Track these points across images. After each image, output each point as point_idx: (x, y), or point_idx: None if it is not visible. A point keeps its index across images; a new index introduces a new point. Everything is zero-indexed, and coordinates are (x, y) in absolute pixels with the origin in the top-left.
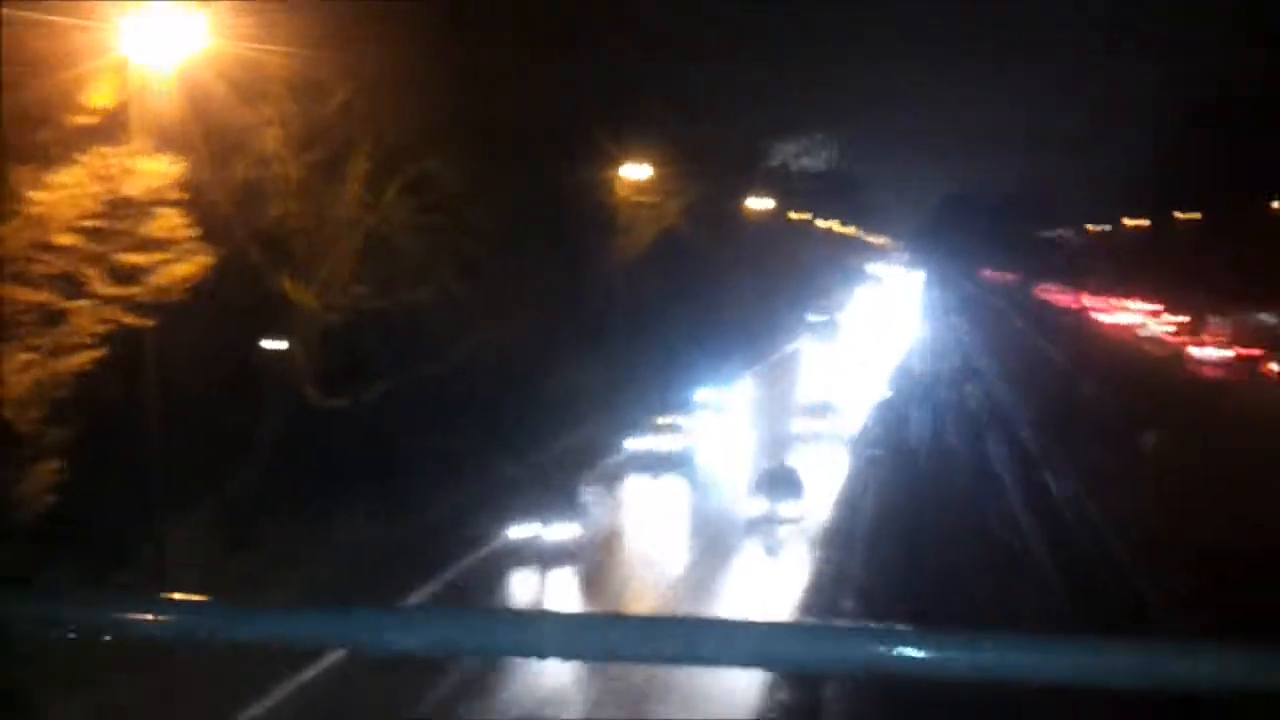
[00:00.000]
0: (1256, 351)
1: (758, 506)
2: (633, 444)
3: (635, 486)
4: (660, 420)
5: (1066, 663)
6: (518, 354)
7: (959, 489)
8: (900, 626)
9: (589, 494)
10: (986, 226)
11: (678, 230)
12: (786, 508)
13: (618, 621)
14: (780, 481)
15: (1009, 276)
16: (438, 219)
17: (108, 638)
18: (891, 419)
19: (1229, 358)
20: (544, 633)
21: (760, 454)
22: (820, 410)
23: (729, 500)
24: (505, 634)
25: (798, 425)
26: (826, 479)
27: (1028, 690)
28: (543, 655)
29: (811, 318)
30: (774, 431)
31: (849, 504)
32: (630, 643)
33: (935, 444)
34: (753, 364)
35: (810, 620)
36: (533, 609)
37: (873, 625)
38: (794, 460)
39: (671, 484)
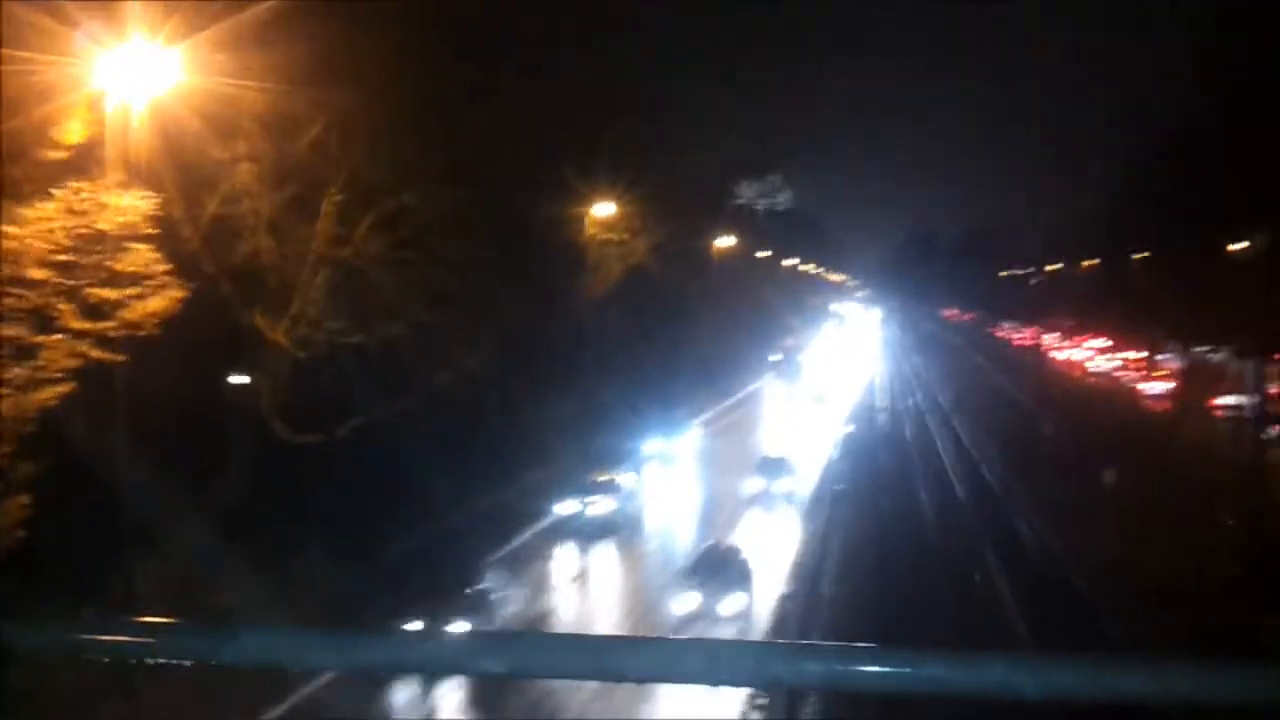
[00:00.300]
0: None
1: (690, 602)
2: (563, 507)
3: (552, 566)
4: (599, 476)
5: (1025, 680)
6: (483, 391)
7: (929, 554)
8: (860, 645)
9: (493, 579)
10: (946, 265)
11: (645, 267)
12: (726, 603)
13: (580, 641)
14: (720, 567)
15: (969, 315)
16: (410, 254)
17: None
18: (853, 472)
19: (1171, 391)
20: (519, 652)
21: (705, 520)
22: (776, 465)
23: (658, 589)
24: (484, 654)
25: (751, 482)
26: (777, 555)
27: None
28: (518, 675)
29: (773, 357)
30: (725, 489)
31: (803, 592)
32: (593, 662)
33: (899, 500)
34: (711, 405)
35: (771, 639)
36: (507, 630)
37: (831, 643)
38: (744, 527)
39: (595, 563)
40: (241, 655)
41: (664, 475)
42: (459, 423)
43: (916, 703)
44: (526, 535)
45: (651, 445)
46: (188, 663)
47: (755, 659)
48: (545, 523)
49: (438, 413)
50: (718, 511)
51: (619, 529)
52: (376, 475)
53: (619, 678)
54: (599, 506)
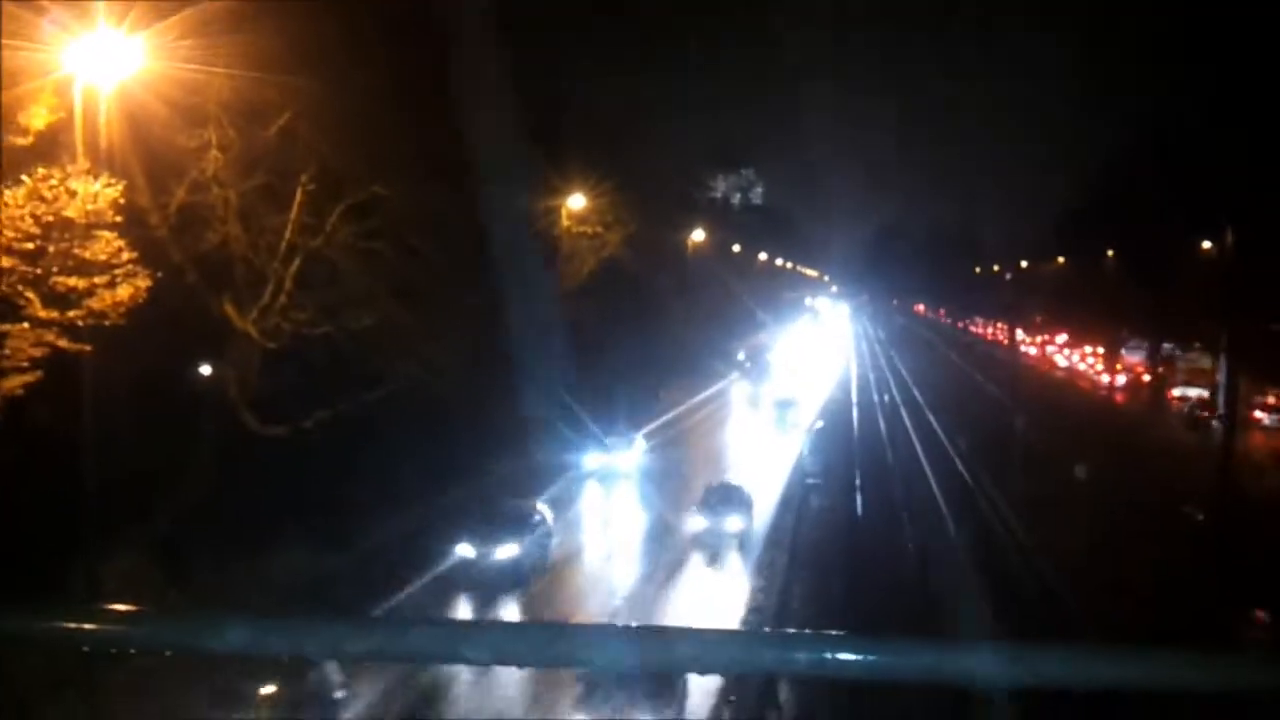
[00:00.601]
0: (1142, 375)
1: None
2: (464, 548)
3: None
4: (516, 504)
5: (1012, 668)
6: (446, 388)
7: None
8: (848, 633)
9: (321, 675)
10: (919, 262)
11: (618, 260)
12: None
13: (566, 630)
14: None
15: (941, 311)
16: (381, 245)
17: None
18: (819, 502)
19: (1129, 383)
20: (508, 641)
21: (632, 577)
22: (727, 496)
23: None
24: (472, 643)
25: (699, 519)
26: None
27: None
28: (506, 663)
29: (741, 355)
30: (665, 526)
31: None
32: (579, 650)
33: (871, 506)
34: (670, 409)
35: (751, 628)
36: (495, 620)
37: (821, 631)
38: (681, 591)
39: None
40: (224, 644)
41: (596, 502)
42: (413, 422)
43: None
44: (408, 590)
45: (593, 459)
46: (168, 652)
47: (744, 647)
48: (439, 569)
49: (396, 411)
50: (650, 564)
51: (521, 586)
52: (310, 481)
53: (609, 666)
54: (504, 549)
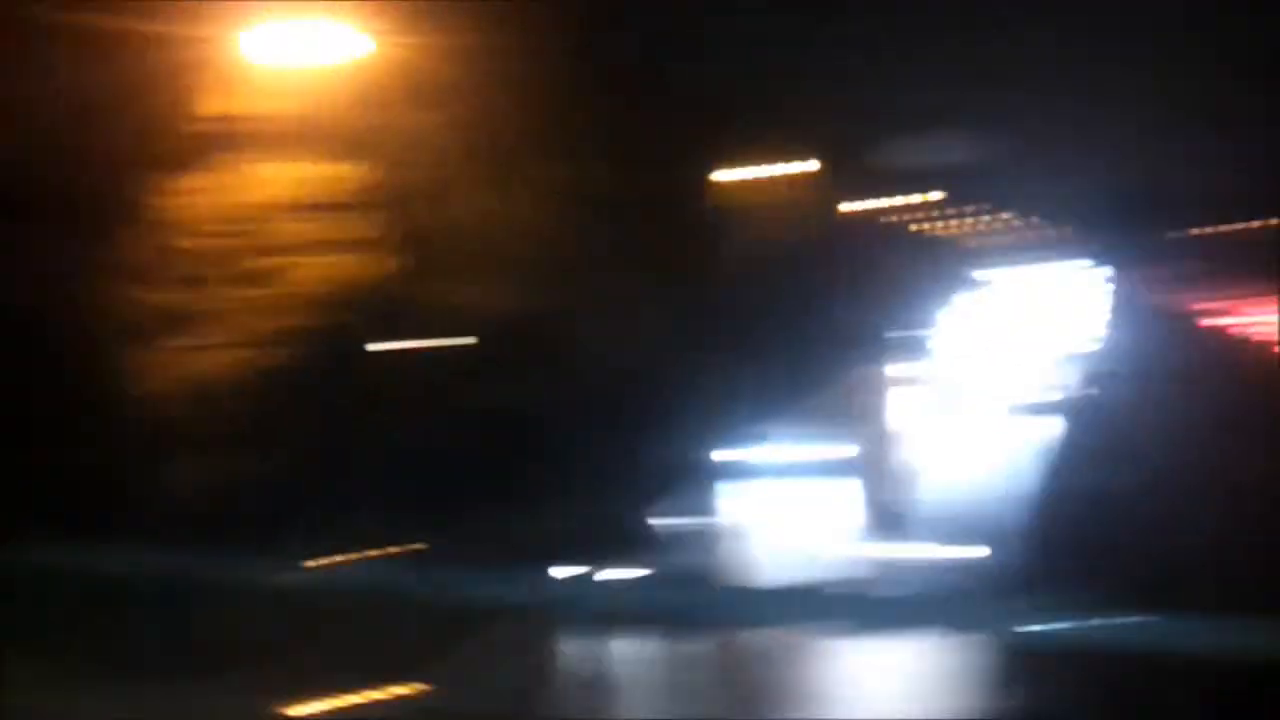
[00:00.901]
0: None
1: None
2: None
3: None
4: (642, 519)
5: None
6: (626, 380)
7: None
8: None
9: None
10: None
11: (806, 239)
12: None
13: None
14: None
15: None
16: (596, 223)
17: None
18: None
19: None
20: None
21: None
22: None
23: None
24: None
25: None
26: None
27: None
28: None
29: (930, 336)
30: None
31: None
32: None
33: None
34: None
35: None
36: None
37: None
38: None
39: None
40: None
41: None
42: (584, 417)
43: None
44: None
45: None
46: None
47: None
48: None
49: (581, 395)
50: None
51: None
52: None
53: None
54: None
